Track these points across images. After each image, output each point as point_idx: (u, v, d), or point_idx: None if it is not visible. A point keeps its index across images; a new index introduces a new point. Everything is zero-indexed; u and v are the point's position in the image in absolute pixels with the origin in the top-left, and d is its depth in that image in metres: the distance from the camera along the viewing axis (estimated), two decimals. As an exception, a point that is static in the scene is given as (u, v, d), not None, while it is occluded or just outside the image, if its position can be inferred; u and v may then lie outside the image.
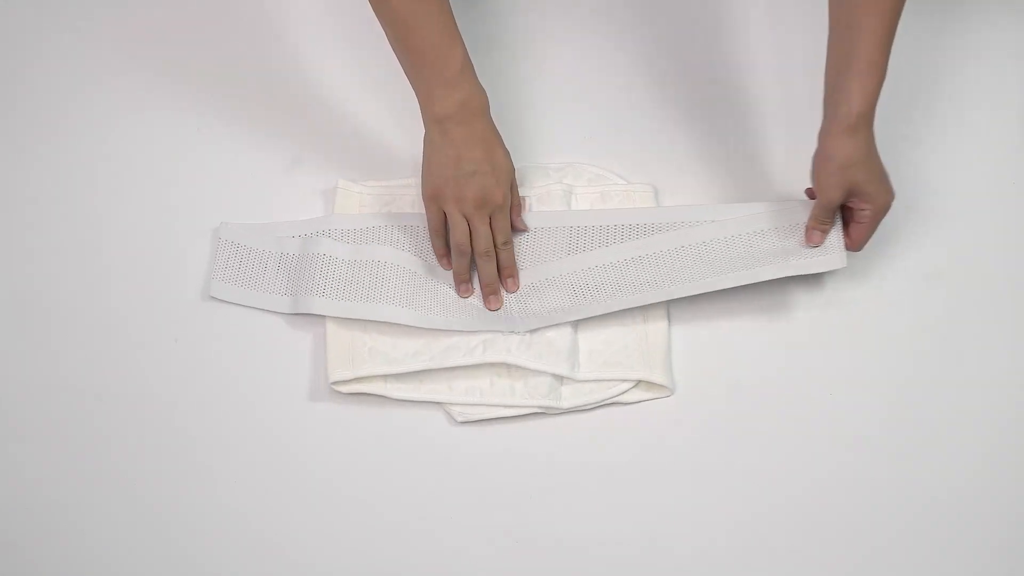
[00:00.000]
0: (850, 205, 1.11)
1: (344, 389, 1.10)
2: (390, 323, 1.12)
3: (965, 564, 1.06)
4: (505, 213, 1.13)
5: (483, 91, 1.11)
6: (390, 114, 1.25)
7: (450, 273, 1.15)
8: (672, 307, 1.14)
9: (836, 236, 1.12)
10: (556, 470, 1.09)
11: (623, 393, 1.11)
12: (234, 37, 1.30)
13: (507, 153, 1.12)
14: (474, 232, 1.11)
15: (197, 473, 1.09)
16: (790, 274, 1.11)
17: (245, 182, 1.21)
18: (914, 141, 1.23)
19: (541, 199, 1.18)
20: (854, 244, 1.12)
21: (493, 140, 1.11)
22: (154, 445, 1.10)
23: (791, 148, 1.22)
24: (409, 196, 1.19)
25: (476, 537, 1.07)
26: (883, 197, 1.10)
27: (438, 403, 1.11)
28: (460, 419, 1.10)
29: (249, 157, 1.23)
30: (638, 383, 1.11)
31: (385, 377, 1.11)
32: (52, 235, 1.20)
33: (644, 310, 1.13)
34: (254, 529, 1.07)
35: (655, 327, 1.13)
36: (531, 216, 1.17)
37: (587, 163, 1.22)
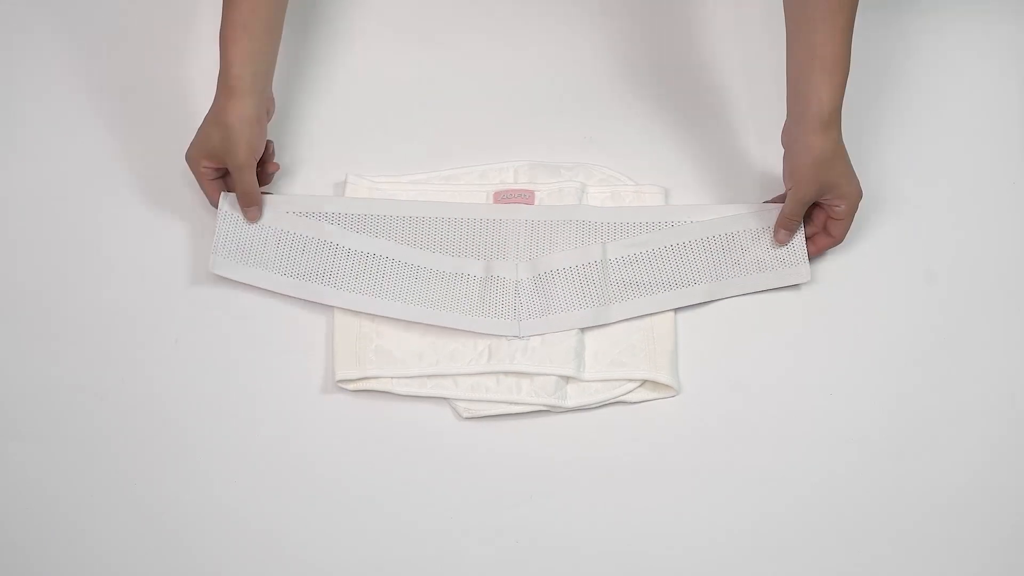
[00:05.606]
0: (823, 202, 1.12)
1: (351, 387, 1.11)
2: (396, 322, 1.13)
3: (969, 563, 1.06)
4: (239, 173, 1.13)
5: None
6: (397, 112, 1.25)
7: (455, 269, 1.15)
8: (678, 306, 1.15)
9: (800, 248, 1.15)
10: (560, 468, 1.09)
11: (629, 393, 1.11)
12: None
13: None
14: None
15: (201, 469, 1.09)
16: (753, 291, 1.14)
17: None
18: (914, 141, 1.24)
19: (553, 196, 1.19)
20: (836, 240, 1.14)
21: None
22: (157, 442, 1.10)
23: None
24: (417, 191, 1.20)
25: (479, 534, 1.07)
26: (856, 191, 1.12)
27: (444, 398, 1.11)
28: (466, 415, 1.10)
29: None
30: (644, 383, 1.11)
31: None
32: (52, 234, 1.19)
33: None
34: (258, 525, 1.07)
35: (661, 327, 1.13)
36: (544, 209, 1.18)
37: (597, 164, 1.22)
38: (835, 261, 1.17)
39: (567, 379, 1.11)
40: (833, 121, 1.08)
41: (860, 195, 1.12)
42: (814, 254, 1.15)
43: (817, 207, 1.14)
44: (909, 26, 1.30)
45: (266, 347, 1.13)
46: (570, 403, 1.10)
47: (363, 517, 1.07)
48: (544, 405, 1.10)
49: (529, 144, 1.23)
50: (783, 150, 1.12)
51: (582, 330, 1.13)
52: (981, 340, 1.15)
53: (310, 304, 1.14)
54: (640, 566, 1.06)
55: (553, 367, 1.10)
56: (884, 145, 1.23)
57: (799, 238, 1.15)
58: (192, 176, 1.16)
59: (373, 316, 1.13)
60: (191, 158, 1.15)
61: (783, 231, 1.14)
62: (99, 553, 1.06)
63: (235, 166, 1.12)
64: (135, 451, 1.10)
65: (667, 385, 1.11)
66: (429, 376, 1.11)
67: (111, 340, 1.14)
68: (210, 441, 1.10)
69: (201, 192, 1.17)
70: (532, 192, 1.19)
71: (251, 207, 1.15)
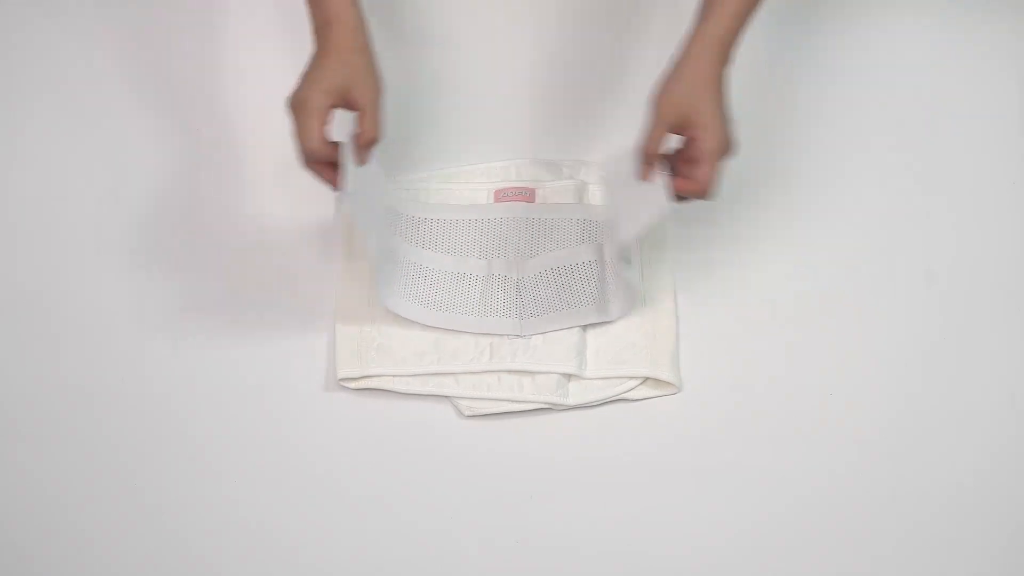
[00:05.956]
0: (685, 135, 1.02)
1: (352, 385, 1.11)
2: (398, 320, 1.13)
3: (969, 563, 1.06)
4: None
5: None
6: (397, 112, 1.25)
7: (457, 268, 1.16)
8: (679, 304, 1.15)
9: (662, 187, 1.04)
10: (562, 466, 1.09)
11: (630, 390, 1.11)
12: (241, 32, 1.29)
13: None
14: None
15: (202, 468, 1.09)
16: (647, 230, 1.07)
17: (250, 179, 1.20)
18: (913, 142, 1.24)
19: (555, 192, 1.19)
20: (701, 188, 1.02)
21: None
22: (157, 442, 1.10)
23: (792, 142, 1.23)
24: (417, 190, 1.21)
25: (479, 534, 1.07)
26: (723, 131, 1.01)
27: (446, 396, 1.11)
28: (468, 413, 1.10)
29: (254, 153, 1.22)
30: (645, 380, 1.12)
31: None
32: (53, 234, 1.19)
33: (653, 307, 1.14)
34: (259, 523, 1.07)
35: (663, 324, 1.14)
36: (543, 207, 1.18)
37: (597, 161, 1.22)
38: (835, 261, 1.17)
39: (569, 377, 1.11)
40: (715, 43, 1.00)
41: (728, 141, 1.01)
42: (677, 191, 1.03)
43: (681, 151, 1.04)
44: (908, 26, 1.30)
45: (267, 346, 1.13)
46: (572, 401, 1.11)
47: (363, 516, 1.07)
48: (546, 403, 1.10)
49: (529, 144, 1.23)
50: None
51: (583, 328, 1.13)
52: (981, 340, 1.15)
53: (311, 302, 1.14)
54: (640, 566, 1.06)
55: (554, 365, 1.11)
56: (883, 146, 1.23)
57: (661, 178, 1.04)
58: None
59: (374, 315, 1.13)
60: (308, 98, 1.03)
61: (643, 165, 1.03)
62: (99, 553, 1.06)
63: (369, 100, 1.05)
64: (135, 451, 1.10)
65: (668, 382, 1.11)
66: (431, 374, 1.11)
67: (111, 340, 1.14)
68: (211, 440, 1.10)
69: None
70: (533, 190, 1.19)
71: (374, 146, 1.06)
